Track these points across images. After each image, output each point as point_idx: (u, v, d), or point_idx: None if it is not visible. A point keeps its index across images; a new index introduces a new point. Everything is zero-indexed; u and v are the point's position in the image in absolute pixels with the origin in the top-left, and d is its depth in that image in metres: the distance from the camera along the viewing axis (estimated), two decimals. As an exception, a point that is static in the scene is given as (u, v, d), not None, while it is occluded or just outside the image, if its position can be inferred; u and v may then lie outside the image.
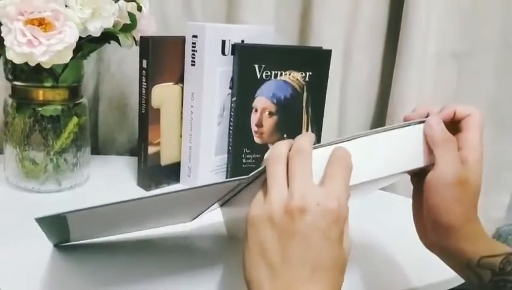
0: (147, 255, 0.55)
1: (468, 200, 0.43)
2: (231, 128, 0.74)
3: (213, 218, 0.58)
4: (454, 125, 0.45)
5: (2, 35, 0.57)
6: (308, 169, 0.38)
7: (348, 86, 0.95)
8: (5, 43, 0.57)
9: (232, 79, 0.73)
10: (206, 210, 0.54)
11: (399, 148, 0.43)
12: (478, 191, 0.43)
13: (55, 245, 0.55)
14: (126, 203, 0.41)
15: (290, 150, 0.39)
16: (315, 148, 0.39)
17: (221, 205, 0.56)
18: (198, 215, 0.57)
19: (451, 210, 0.43)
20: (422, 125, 0.44)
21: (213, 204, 0.51)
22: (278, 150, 0.39)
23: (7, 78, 0.67)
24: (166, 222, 0.57)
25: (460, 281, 0.55)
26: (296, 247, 0.35)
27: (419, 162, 0.44)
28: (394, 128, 0.44)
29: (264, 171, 0.40)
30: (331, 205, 0.35)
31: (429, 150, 0.44)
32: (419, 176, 0.46)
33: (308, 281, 0.35)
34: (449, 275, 0.55)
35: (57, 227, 0.48)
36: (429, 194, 0.43)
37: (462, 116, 0.45)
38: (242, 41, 0.73)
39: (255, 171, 0.41)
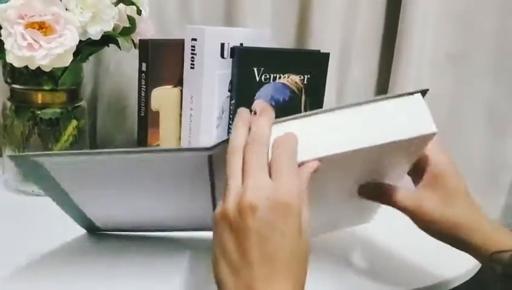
0: (153, 255, 0.55)
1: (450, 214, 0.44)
2: (230, 131, 0.74)
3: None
4: None
5: (2, 38, 0.57)
6: (262, 160, 0.36)
7: (346, 89, 0.96)
8: (5, 46, 0.57)
9: (231, 82, 0.73)
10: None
11: (370, 122, 0.40)
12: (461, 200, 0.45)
13: (88, 231, 0.58)
14: (107, 154, 0.41)
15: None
16: (276, 122, 0.38)
17: None
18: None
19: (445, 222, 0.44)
20: (397, 99, 0.41)
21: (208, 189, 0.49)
22: (235, 141, 0.37)
23: (6, 81, 0.67)
24: (181, 219, 0.56)
25: (461, 280, 0.56)
26: (253, 245, 0.34)
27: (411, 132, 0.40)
28: (364, 103, 0.41)
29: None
30: (282, 199, 0.34)
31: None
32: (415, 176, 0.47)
33: (270, 278, 0.34)
34: (450, 276, 0.55)
35: (49, 186, 0.45)
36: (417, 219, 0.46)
37: None
38: (241, 44, 0.73)
39: (218, 141, 0.40)
